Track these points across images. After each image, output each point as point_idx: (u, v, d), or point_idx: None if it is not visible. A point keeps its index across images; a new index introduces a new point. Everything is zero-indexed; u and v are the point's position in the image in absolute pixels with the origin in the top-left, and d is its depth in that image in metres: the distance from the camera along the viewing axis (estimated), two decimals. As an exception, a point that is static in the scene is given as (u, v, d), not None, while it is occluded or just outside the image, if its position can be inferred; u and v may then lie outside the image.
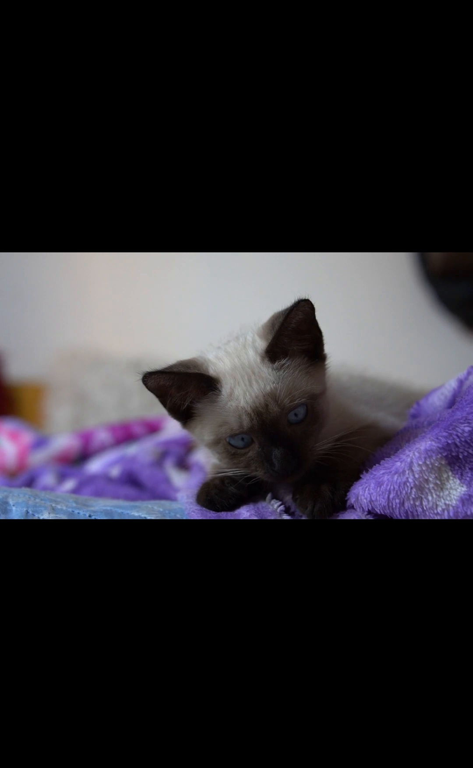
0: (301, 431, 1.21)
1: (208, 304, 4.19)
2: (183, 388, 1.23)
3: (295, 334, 1.22)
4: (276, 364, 1.22)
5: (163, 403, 1.27)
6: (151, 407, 3.59)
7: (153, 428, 2.39)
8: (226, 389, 1.23)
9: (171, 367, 1.24)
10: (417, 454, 1.10)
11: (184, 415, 1.29)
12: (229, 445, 1.23)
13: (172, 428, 2.29)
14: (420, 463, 1.09)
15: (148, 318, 4.25)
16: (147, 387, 1.23)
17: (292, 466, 1.18)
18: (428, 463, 1.08)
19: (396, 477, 1.10)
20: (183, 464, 1.87)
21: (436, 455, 1.08)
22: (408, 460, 1.10)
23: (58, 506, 1.21)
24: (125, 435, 2.32)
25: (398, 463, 1.11)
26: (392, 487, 1.10)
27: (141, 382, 1.21)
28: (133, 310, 4.28)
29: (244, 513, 1.20)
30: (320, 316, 1.22)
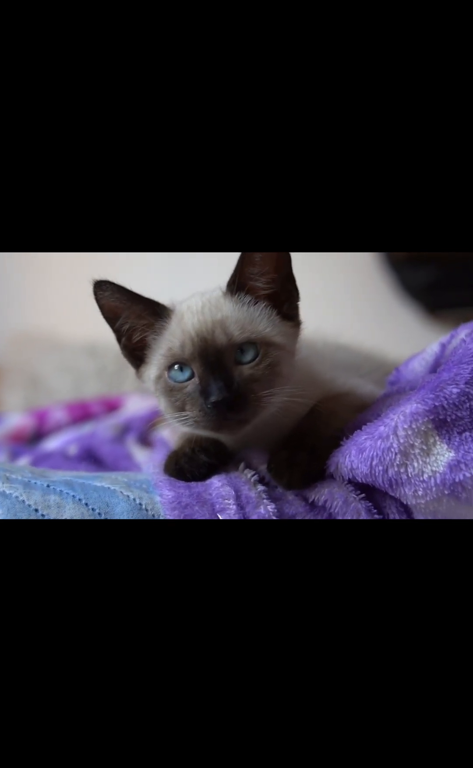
0: (248, 373, 1.12)
1: (169, 288, 4.09)
2: (133, 311, 1.18)
3: (261, 269, 1.15)
4: (235, 297, 1.17)
5: (117, 335, 1.21)
6: (109, 392, 3.48)
7: (111, 407, 2.29)
8: (176, 316, 1.17)
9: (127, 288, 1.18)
10: (402, 417, 1.03)
11: (138, 357, 1.22)
12: (168, 380, 1.15)
13: (132, 406, 2.20)
14: (406, 427, 1.02)
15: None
16: (98, 302, 1.17)
17: (229, 402, 1.08)
18: (414, 426, 1.02)
19: (379, 442, 1.03)
20: (145, 441, 1.78)
21: (423, 418, 1.02)
22: (393, 424, 1.03)
23: (13, 476, 1.11)
24: (82, 414, 2.21)
25: (381, 428, 1.04)
26: (375, 453, 1.03)
27: (93, 295, 1.17)
28: (90, 291, 4.14)
29: (216, 483, 1.12)
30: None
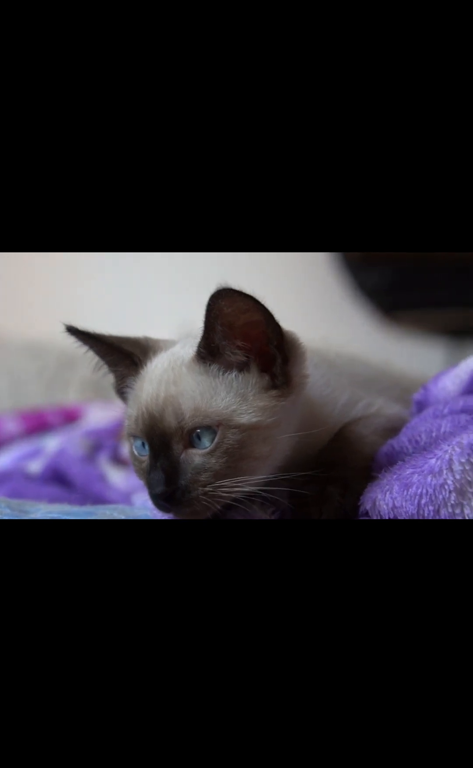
0: (199, 461, 0.93)
1: (114, 282, 3.92)
2: (105, 359, 1.08)
3: (231, 335, 0.95)
4: (201, 367, 0.97)
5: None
6: (51, 395, 3.25)
7: (71, 417, 2.10)
8: (141, 377, 1.02)
9: (100, 334, 1.05)
10: (458, 449, 0.89)
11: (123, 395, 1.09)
12: (132, 448, 1.02)
13: (94, 416, 2.01)
14: (463, 461, 0.89)
15: (47, 295, 3.90)
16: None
17: (168, 497, 0.91)
18: None
19: (429, 478, 0.90)
20: (118, 459, 1.60)
21: (483, 451, 0.88)
22: (447, 456, 0.90)
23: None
24: (37, 424, 2.01)
25: (432, 461, 0.91)
26: (424, 491, 0.89)
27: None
28: (29, 285, 3.92)
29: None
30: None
